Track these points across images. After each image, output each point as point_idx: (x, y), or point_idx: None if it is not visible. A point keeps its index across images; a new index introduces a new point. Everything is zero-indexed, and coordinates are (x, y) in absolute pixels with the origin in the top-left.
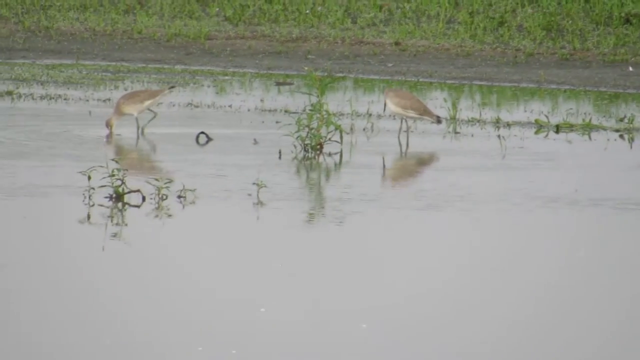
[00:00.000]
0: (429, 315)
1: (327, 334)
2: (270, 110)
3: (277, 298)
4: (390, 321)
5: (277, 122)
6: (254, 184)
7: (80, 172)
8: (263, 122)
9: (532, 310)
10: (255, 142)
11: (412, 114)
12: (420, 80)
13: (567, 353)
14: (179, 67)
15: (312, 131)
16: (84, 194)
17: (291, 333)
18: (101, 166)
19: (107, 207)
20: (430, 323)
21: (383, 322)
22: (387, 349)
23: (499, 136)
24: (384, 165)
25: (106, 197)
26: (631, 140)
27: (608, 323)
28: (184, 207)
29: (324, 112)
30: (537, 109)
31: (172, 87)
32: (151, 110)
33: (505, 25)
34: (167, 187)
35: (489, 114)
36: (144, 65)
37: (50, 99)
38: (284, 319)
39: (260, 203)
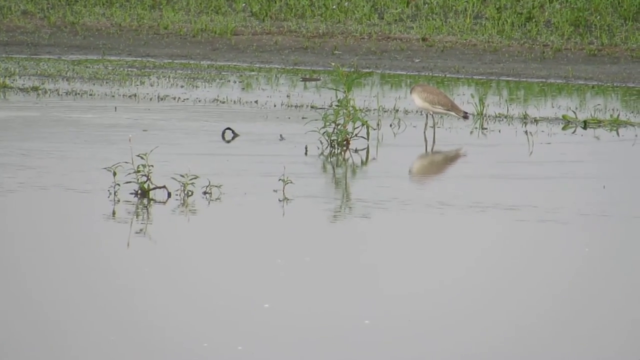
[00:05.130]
0: (438, 315)
1: (332, 330)
2: (296, 106)
3: (283, 294)
4: (395, 318)
5: (303, 118)
6: (279, 180)
7: (105, 167)
8: (289, 118)
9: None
10: (282, 138)
11: (439, 109)
12: (447, 76)
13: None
14: (205, 62)
15: (339, 127)
16: (108, 190)
17: (297, 329)
18: (126, 162)
19: (133, 204)
20: (440, 323)
21: (387, 319)
22: (387, 346)
23: (526, 132)
24: (410, 162)
25: (131, 194)
26: None
27: (619, 326)
28: (209, 203)
29: (351, 108)
30: (564, 105)
31: None
32: None
33: (533, 20)
34: (192, 184)
35: (516, 110)
36: (170, 60)
37: (76, 94)
38: (290, 314)
39: (285, 199)
